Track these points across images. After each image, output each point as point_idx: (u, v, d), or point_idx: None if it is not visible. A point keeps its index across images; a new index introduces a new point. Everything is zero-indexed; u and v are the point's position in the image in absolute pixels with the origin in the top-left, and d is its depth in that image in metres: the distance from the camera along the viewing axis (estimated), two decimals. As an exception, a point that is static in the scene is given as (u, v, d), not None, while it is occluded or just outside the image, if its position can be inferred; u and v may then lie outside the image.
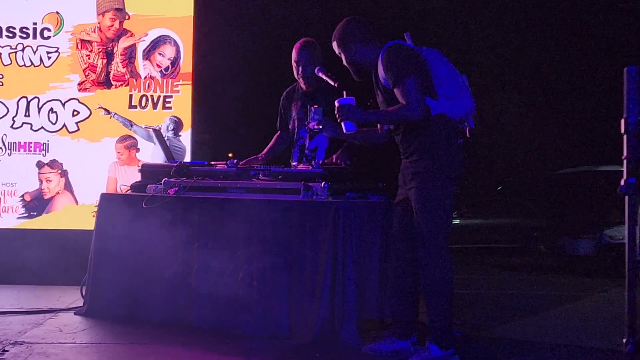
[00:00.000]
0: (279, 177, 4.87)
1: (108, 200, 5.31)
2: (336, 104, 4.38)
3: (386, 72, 4.25)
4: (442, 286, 4.16)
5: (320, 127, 4.61)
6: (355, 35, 4.41)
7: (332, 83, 5.03)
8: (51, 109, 6.91)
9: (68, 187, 6.92)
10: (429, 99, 4.20)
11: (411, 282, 4.37)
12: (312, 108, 4.63)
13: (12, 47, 6.92)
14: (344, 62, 4.51)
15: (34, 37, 6.94)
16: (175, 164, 5.22)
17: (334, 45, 4.51)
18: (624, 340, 3.30)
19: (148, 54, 7.02)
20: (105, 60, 6.98)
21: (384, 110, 4.35)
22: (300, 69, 5.41)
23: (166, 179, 5.08)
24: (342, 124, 4.37)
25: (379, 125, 4.61)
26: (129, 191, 5.40)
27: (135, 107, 6.97)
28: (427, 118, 4.16)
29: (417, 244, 4.21)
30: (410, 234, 4.31)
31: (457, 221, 14.03)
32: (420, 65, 4.23)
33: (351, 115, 4.31)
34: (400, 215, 4.41)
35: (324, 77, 5.08)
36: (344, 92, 4.43)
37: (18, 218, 6.86)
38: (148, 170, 5.42)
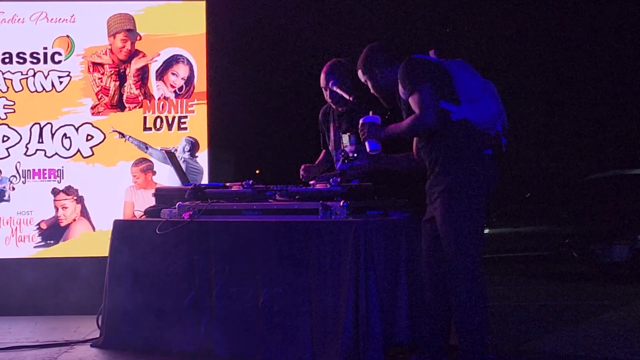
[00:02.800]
0: (296, 197, 4.69)
1: (121, 227, 5.16)
2: (360, 122, 4.34)
3: (402, 84, 4.14)
4: (474, 312, 3.95)
5: (355, 155, 4.48)
6: (378, 60, 4.39)
7: (346, 97, 4.87)
8: (65, 135, 6.78)
9: (84, 213, 6.78)
10: (449, 104, 4.04)
11: (441, 305, 4.16)
12: (344, 135, 4.47)
13: (23, 73, 6.80)
14: (372, 90, 4.48)
15: (45, 62, 6.82)
16: (190, 187, 5.06)
17: (359, 73, 4.49)
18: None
19: (161, 74, 6.88)
20: (117, 83, 6.85)
21: (400, 123, 4.22)
22: (328, 92, 5.16)
23: (180, 202, 4.91)
24: (366, 143, 4.31)
25: (414, 150, 4.46)
26: (143, 216, 5.25)
27: (150, 129, 6.83)
28: (445, 124, 4.02)
29: (446, 269, 4.02)
30: (439, 254, 4.11)
31: (486, 230, 13.83)
32: (437, 74, 4.09)
33: (372, 133, 4.25)
34: (429, 234, 4.22)
35: (338, 91, 4.92)
36: (370, 112, 4.35)
37: (35, 247, 6.72)
38: (162, 194, 5.26)
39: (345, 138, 4.61)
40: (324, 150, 5.46)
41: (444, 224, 4.04)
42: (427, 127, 4.03)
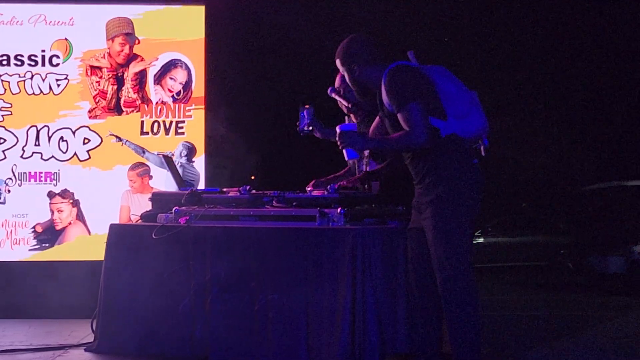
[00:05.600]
0: (294, 203, 4.66)
1: (117, 231, 5.12)
2: (337, 130, 4.22)
3: (389, 97, 4.04)
4: (467, 320, 3.91)
5: (311, 128, 4.42)
6: (359, 53, 4.22)
7: (345, 104, 4.84)
8: (61, 138, 6.76)
9: (80, 217, 6.76)
10: (437, 120, 3.98)
11: (431, 312, 4.13)
12: (301, 109, 4.42)
13: (21, 75, 6.79)
14: (347, 81, 4.33)
15: (43, 64, 6.81)
16: (187, 192, 5.03)
17: (337, 63, 4.33)
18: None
19: (159, 78, 6.88)
20: (115, 86, 6.84)
21: (388, 138, 4.12)
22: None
23: (177, 207, 4.89)
24: (344, 152, 4.25)
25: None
26: (140, 221, 5.23)
27: (147, 133, 6.82)
28: (436, 141, 3.95)
29: (437, 276, 3.97)
30: (427, 261, 4.07)
31: (481, 240, 13.84)
32: (424, 87, 4.01)
33: (353, 143, 4.14)
34: (416, 243, 4.16)
35: (336, 97, 4.89)
36: (345, 118, 4.26)
37: (30, 250, 6.70)
38: (159, 199, 5.23)
39: (300, 112, 4.50)
40: (348, 166, 5.25)
41: (435, 233, 3.98)
42: (419, 145, 3.95)
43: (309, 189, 4.86)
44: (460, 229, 3.97)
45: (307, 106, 4.50)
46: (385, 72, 4.07)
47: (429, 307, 4.15)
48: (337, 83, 5.00)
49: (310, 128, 4.46)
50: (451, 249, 3.94)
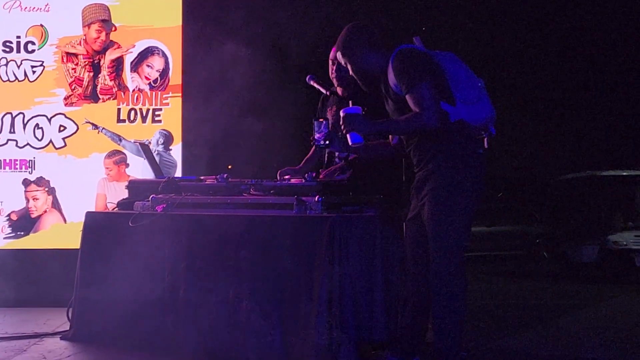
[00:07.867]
0: (271, 191, 4.65)
1: (93, 219, 5.11)
2: (341, 113, 4.09)
3: (397, 77, 3.96)
4: (452, 310, 3.90)
5: (327, 142, 4.31)
6: (360, 40, 4.13)
7: (323, 91, 4.82)
8: (37, 125, 6.71)
9: (56, 205, 6.71)
10: (446, 104, 3.92)
11: (421, 303, 4.11)
12: (316, 122, 4.31)
13: (-4, 62, 6.73)
14: (351, 72, 4.23)
15: (18, 51, 6.75)
16: (164, 180, 5.01)
17: (339, 55, 4.23)
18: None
19: (136, 66, 6.83)
20: (91, 74, 6.79)
21: (396, 120, 4.04)
22: (335, 67, 4.86)
23: (153, 195, 4.87)
24: (348, 136, 4.07)
25: (390, 137, 4.34)
26: (116, 209, 5.20)
27: (123, 121, 6.78)
28: (444, 125, 3.89)
29: (431, 265, 3.95)
30: (424, 252, 4.05)
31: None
32: (434, 70, 3.96)
33: (358, 126, 4.02)
34: (414, 233, 4.12)
35: (315, 84, 4.87)
36: (350, 102, 4.15)
37: (4, 238, 6.65)
38: (136, 187, 5.22)
39: (315, 125, 4.32)
40: (314, 147, 5.17)
41: (432, 222, 3.94)
42: (429, 127, 3.87)
43: (285, 177, 4.84)
44: (457, 220, 3.91)
45: (321, 120, 4.35)
46: (393, 54, 4.01)
47: (419, 298, 4.11)
48: (332, 55, 4.85)
49: (327, 142, 4.32)
50: (446, 239, 3.90)
